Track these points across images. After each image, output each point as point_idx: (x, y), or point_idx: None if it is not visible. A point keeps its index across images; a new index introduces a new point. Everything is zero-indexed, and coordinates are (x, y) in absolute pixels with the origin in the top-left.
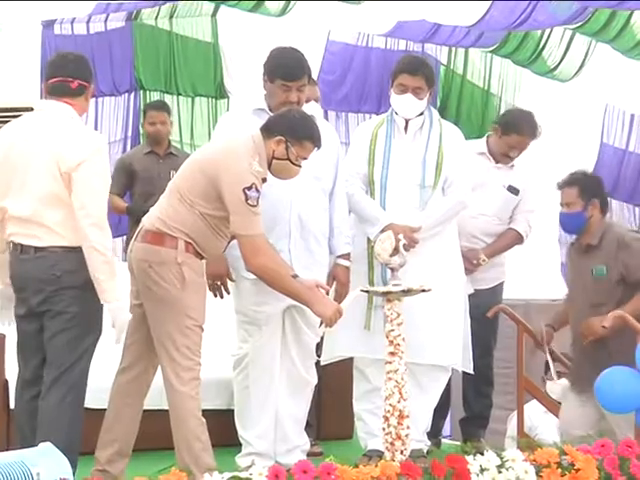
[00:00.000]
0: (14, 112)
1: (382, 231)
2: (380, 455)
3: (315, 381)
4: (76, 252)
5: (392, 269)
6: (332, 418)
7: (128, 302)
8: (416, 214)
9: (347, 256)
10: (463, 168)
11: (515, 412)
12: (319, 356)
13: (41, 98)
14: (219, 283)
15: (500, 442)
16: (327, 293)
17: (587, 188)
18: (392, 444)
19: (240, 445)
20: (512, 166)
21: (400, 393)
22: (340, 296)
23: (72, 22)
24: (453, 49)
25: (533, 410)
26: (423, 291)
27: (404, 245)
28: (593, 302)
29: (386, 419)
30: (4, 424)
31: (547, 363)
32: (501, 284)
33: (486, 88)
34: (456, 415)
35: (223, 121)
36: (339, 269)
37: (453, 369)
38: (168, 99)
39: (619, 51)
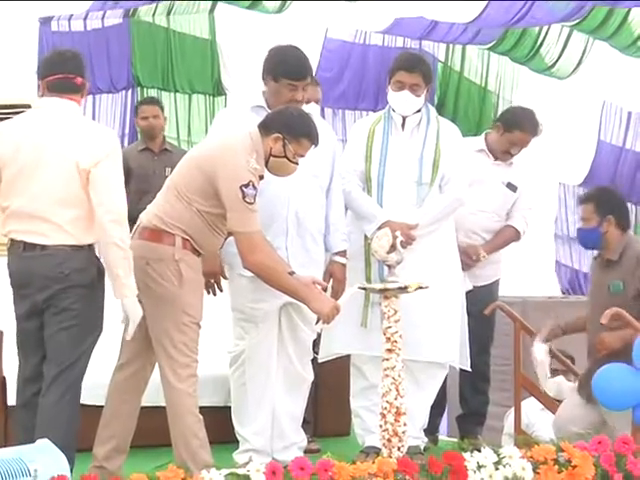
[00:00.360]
0: (11, 109)
1: (379, 228)
2: (377, 452)
3: (311, 378)
4: (84, 250)
5: (389, 266)
6: (329, 415)
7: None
8: (413, 211)
9: (343, 253)
10: (460, 165)
11: (512, 409)
12: (316, 353)
13: (38, 95)
14: (213, 281)
15: (497, 439)
16: (324, 290)
17: (603, 204)
18: (389, 441)
19: (237, 442)
20: (511, 163)
21: (397, 390)
22: (337, 293)
23: (69, 19)
24: (450, 46)
25: (530, 407)
26: (420, 288)
27: (401, 242)
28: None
29: (383, 416)
30: (2, 421)
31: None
32: (497, 281)
33: (483, 85)
34: (453, 412)
35: (220, 117)
36: (336, 266)
37: (450, 366)
38: (165, 96)
39: (617, 48)
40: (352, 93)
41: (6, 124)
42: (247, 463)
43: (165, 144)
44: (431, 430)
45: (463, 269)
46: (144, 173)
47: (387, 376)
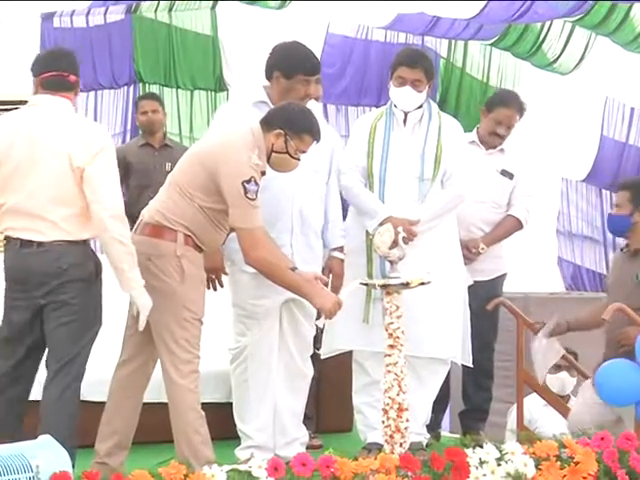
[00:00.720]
0: (14, 105)
1: (381, 224)
2: (379, 448)
3: (311, 373)
4: (80, 245)
5: (391, 262)
6: (331, 411)
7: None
8: (415, 207)
9: (341, 249)
10: (462, 161)
11: (515, 405)
12: (317, 349)
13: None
14: (214, 277)
15: (500, 435)
16: (326, 285)
17: (639, 194)
18: (391, 437)
19: (239, 438)
20: (502, 150)
21: (399, 386)
22: (336, 289)
23: (71, 15)
24: (453, 42)
25: (533, 403)
26: (422, 284)
27: (403, 238)
28: (633, 308)
29: (385, 412)
30: None
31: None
32: (501, 277)
33: (485, 81)
34: (456, 408)
35: (222, 112)
36: (334, 262)
37: (453, 362)
38: (167, 92)
39: (619, 44)
40: (354, 89)
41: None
42: (249, 459)
43: (165, 139)
44: (433, 426)
45: (464, 264)
46: (144, 168)
47: (389, 372)
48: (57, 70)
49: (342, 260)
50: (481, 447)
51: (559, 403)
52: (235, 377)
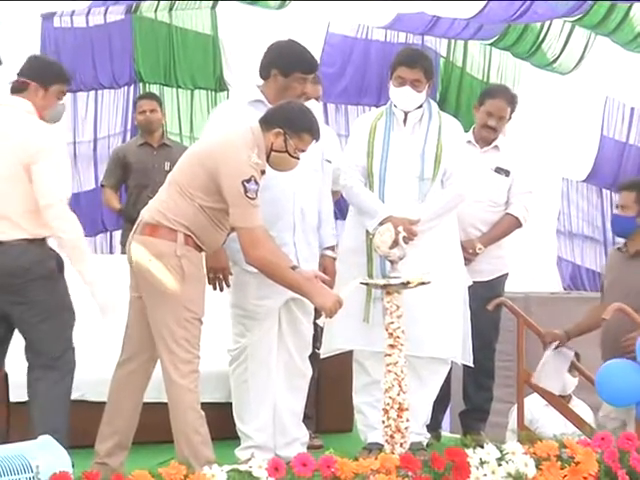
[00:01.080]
0: None
1: (381, 224)
2: (380, 448)
3: (310, 373)
4: (37, 243)
5: (391, 262)
6: (332, 411)
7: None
8: (415, 206)
9: (333, 248)
10: (462, 161)
11: (516, 405)
12: (317, 348)
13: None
14: (221, 276)
15: (501, 435)
16: (325, 283)
17: None
18: (392, 437)
19: (239, 438)
20: (496, 147)
21: (400, 386)
22: (330, 287)
23: (71, 15)
24: (452, 42)
25: (534, 403)
26: (422, 284)
27: (403, 237)
28: (633, 308)
29: (386, 412)
30: (4, 417)
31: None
32: (501, 277)
33: (485, 80)
34: (456, 408)
35: (218, 112)
36: (328, 260)
37: (453, 362)
38: (167, 92)
39: (618, 44)
40: (354, 88)
41: None
42: (249, 459)
43: (164, 139)
44: (434, 426)
45: (464, 264)
46: (143, 168)
47: (389, 372)
48: (18, 75)
49: (334, 259)
50: (482, 447)
51: (560, 403)
52: (235, 378)
